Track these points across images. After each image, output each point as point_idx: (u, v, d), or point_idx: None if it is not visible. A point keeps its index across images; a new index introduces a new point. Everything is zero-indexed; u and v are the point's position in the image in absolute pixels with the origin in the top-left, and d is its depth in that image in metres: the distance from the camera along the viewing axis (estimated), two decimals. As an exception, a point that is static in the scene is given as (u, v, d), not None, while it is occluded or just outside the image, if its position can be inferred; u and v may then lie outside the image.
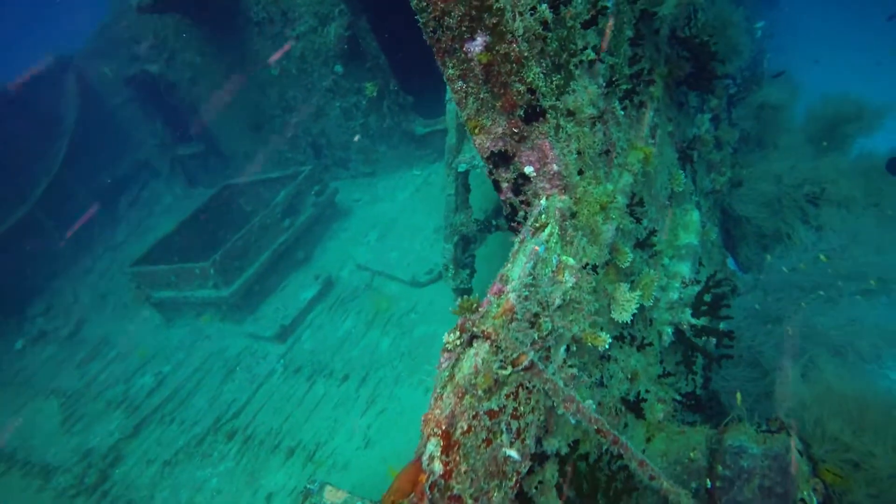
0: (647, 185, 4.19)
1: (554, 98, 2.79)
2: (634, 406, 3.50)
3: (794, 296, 4.47)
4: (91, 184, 13.79)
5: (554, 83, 2.80)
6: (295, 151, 10.71)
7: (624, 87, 3.83)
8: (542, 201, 2.89)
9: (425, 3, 2.48)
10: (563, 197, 2.91)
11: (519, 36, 2.50)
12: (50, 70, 13.28)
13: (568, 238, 2.86)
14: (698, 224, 5.18)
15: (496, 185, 3.06)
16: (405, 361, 6.42)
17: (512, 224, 3.12)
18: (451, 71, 2.67)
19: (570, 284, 2.77)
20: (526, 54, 2.55)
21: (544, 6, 2.71)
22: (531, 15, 2.57)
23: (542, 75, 2.66)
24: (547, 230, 2.73)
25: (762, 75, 8.35)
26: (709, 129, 6.56)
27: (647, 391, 3.77)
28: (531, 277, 2.52)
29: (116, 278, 12.22)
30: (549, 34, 2.72)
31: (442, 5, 2.45)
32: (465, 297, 2.41)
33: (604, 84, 3.47)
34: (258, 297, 8.35)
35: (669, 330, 4.08)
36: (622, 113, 3.77)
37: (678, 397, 4.13)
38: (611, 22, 3.63)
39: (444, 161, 6.08)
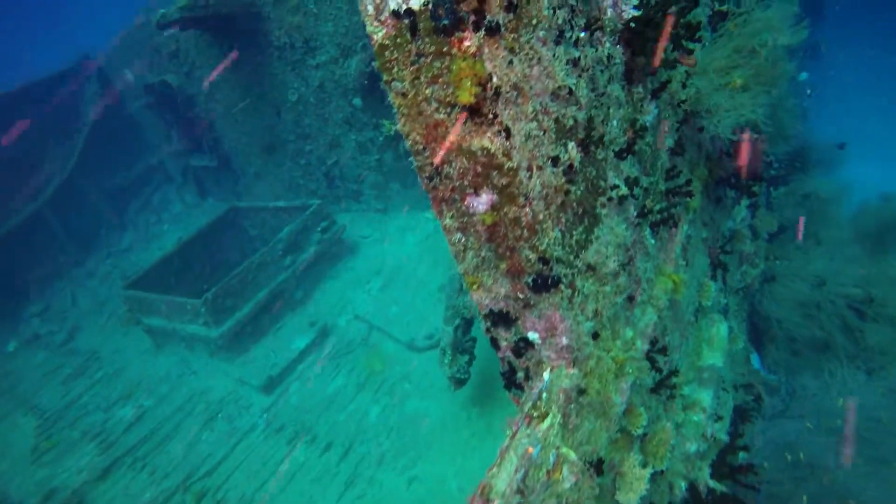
0: (672, 316, 3.67)
1: (571, 258, 2.30)
2: None
3: (834, 444, 3.91)
4: (103, 185, 13.58)
5: (574, 238, 2.32)
6: (307, 179, 10.33)
7: (658, 208, 3.33)
8: (546, 375, 2.40)
9: (421, 146, 2.02)
10: (572, 370, 2.42)
11: (534, 197, 2.02)
12: (74, 69, 13.11)
13: (571, 425, 2.37)
14: (725, 339, 4.63)
15: (493, 343, 2.58)
16: (392, 439, 5.95)
17: (508, 390, 2.64)
18: (448, 221, 2.20)
19: (568, 486, 2.27)
20: (541, 217, 2.07)
21: (571, 146, 2.23)
22: (552, 167, 2.10)
23: (559, 237, 2.18)
24: (547, 421, 2.25)
25: (806, 152, 7.77)
26: (745, 218, 6.01)
27: (651, 564, 3.26)
28: (519, 496, 2.03)
29: (116, 285, 11.94)
30: (574, 184, 2.24)
31: (442, 153, 1.99)
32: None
33: (635, 214, 2.98)
34: (250, 339, 7.94)
35: (683, 485, 3.56)
36: (653, 241, 3.27)
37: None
38: (648, 139, 3.14)
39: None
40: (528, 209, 2.02)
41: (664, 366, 3.40)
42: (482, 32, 1.73)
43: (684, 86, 3.58)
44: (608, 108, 2.63)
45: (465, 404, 5.91)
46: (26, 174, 12.88)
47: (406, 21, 1.77)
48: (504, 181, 1.96)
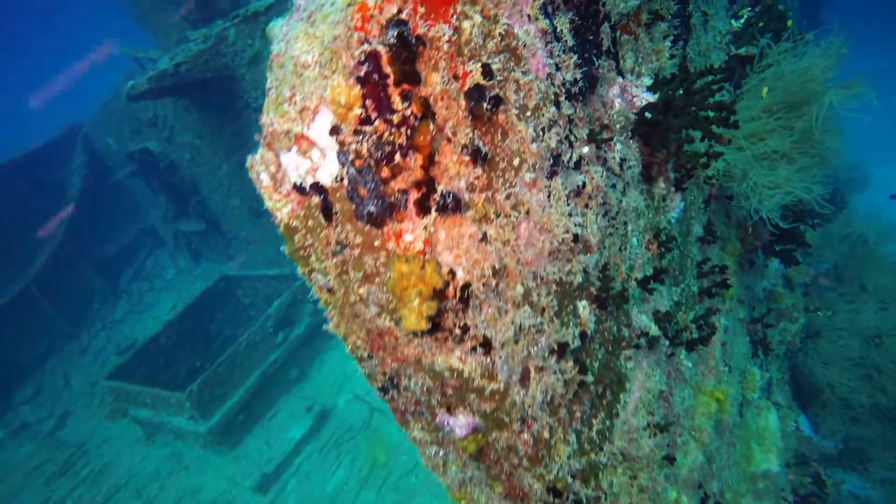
0: (719, 439, 2.99)
1: (593, 456, 1.65)
2: None
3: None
4: (93, 255, 13.11)
5: (594, 430, 1.66)
6: (298, 240, 9.75)
7: (692, 317, 2.67)
8: None
9: (365, 354, 1.39)
10: None
11: (534, 415, 1.38)
12: (59, 140, 12.78)
13: None
14: (778, 433, 3.94)
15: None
16: (400, 551, 5.23)
17: None
18: (417, 434, 1.56)
19: None
20: (547, 435, 1.42)
21: (582, 307, 1.59)
22: (558, 362, 1.45)
23: (574, 445, 1.53)
24: None
25: (839, 186, 7.07)
26: (778, 270, 5.33)
27: None
28: None
29: (109, 362, 11.37)
30: (589, 367, 1.59)
31: (394, 365, 1.35)
32: None
33: (667, 344, 2.32)
34: (243, 428, 7.28)
35: None
36: (690, 364, 2.61)
37: None
38: (676, 242, 2.50)
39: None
40: (526, 434, 1.37)
41: (718, 514, 2.71)
42: (433, 216, 1.10)
43: (709, 159, 2.95)
44: (626, 227, 2.00)
45: None
46: (10, 250, 12.43)
47: (316, 199, 1.15)
48: (488, 406, 1.32)
